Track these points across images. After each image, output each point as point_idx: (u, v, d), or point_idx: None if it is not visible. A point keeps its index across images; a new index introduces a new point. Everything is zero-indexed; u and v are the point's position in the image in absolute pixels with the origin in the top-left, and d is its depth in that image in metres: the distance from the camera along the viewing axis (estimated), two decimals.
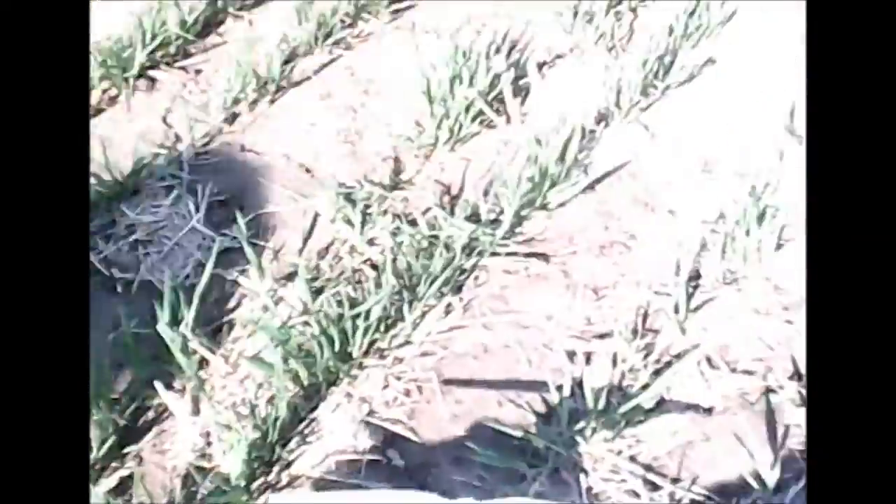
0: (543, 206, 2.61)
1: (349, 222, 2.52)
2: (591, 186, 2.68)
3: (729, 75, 3.15)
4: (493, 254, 2.46)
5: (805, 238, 2.15)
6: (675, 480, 1.97)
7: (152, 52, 3.01)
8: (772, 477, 1.93)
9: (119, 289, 2.35)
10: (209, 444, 2.02)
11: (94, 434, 1.95)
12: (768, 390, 2.13)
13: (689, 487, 1.96)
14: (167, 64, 3.07)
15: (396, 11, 3.44)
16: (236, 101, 2.90)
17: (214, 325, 2.28)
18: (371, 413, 2.11)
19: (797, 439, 2.03)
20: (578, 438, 2.00)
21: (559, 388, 2.11)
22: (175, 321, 2.15)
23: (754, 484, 1.94)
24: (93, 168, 2.51)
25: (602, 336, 2.27)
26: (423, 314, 2.32)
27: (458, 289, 2.39)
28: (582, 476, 1.97)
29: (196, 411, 2.07)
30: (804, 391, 2.10)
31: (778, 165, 2.68)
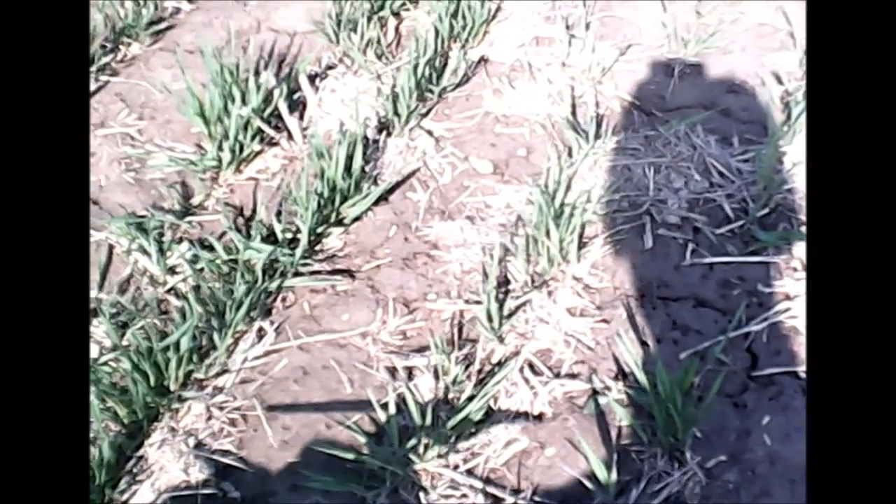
0: (339, 222, 2.77)
1: (145, 252, 2.60)
2: (384, 198, 2.85)
3: (503, 73, 3.38)
4: (297, 274, 2.60)
5: (805, 240, 2.38)
6: (516, 491, 2.11)
7: None
8: (610, 479, 2.08)
9: None
10: None
11: None
12: (595, 392, 2.30)
13: (531, 497, 2.10)
14: None
15: (157, 33, 3.55)
16: None
17: None
18: (199, 446, 2.20)
19: (629, 440, 2.20)
20: (412, 456, 2.13)
21: (384, 405, 2.24)
22: None
23: (594, 488, 2.09)
24: None
25: (420, 350, 2.42)
26: (236, 340, 2.44)
27: (268, 312, 2.52)
28: (422, 494, 2.09)
29: None
30: (630, 391, 2.28)
31: (567, 162, 2.90)
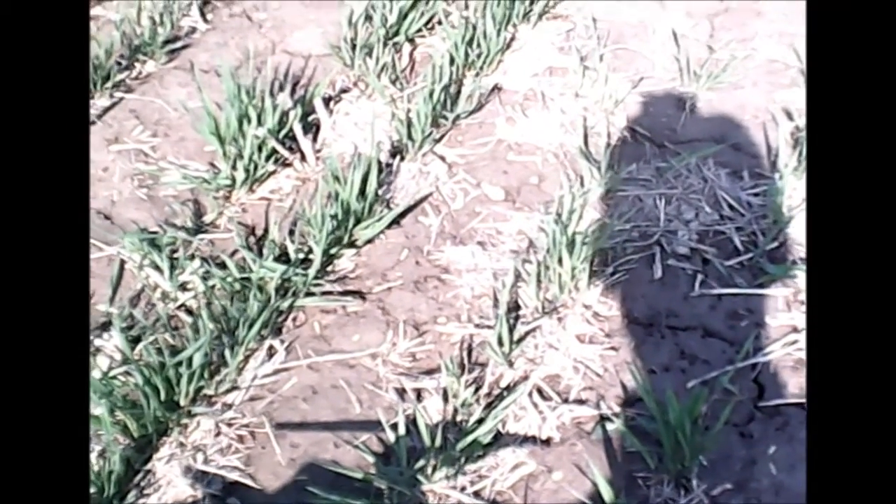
0: (352, 244, 2.79)
1: (157, 268, 2.63)
2: (396, 221, 2.88)
3: (516, 102, 3.41)
4: (308, 294, 2.61)
5: (806, 243, 2.40)
6: None
7: None
8: None
9: None
10: None
11: None
12: (603, 418, 2.32)
13: None
14: None
15: (172, 52, 3.59)
16: None
17: None
18: (207, 462, 2.22)
19: (636, 466, 2.21)
20: (420, 477, 2.15)
21: (393, 426, 2.26)
22: None
23: None
24: None
25: (429, 372, 2.44)
26: (246, 358, 2.45)
27: (278, 331, 2.54)
28: None
29: None
30: (638, 418, 2.29)
31: (579, 191, 2.92)
